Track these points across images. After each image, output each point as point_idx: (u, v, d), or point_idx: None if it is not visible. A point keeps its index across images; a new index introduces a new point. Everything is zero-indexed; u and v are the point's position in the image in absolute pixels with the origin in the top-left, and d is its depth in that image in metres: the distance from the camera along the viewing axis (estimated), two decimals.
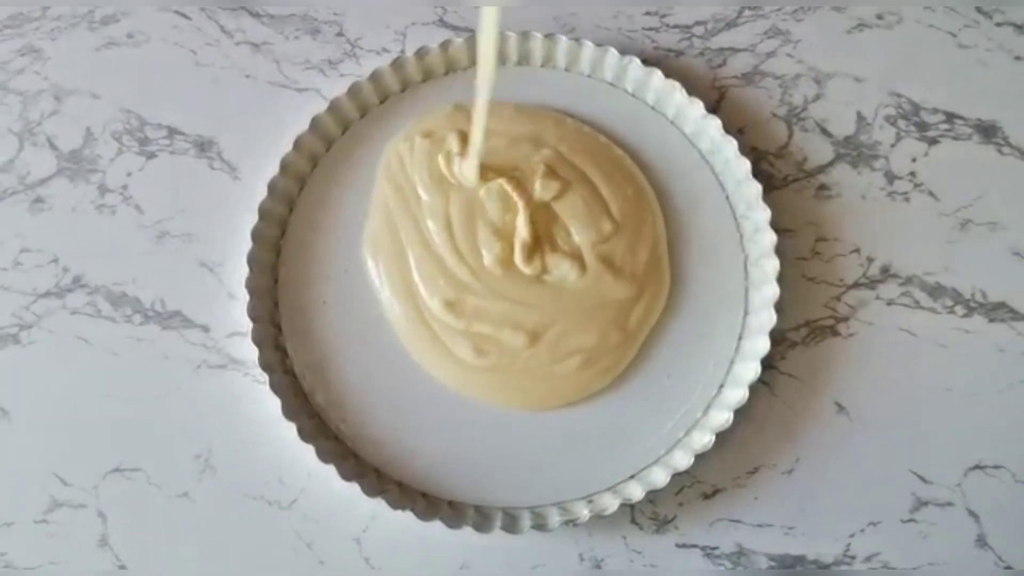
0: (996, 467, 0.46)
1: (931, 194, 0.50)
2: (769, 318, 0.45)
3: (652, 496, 0.44)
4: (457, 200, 0.48)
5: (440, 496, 0.45)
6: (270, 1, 0.53)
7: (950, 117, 0.51)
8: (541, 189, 0.47)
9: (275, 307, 0.47)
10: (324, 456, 0.43)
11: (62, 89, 0.52)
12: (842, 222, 0.50)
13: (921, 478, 0.46)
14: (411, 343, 0.46)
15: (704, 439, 0.44)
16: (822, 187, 0.50)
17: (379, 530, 0.45)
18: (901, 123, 0.51)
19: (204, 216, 0.49)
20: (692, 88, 0.49)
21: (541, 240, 0.47)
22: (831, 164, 0.51)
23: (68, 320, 0.48)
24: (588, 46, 0.50)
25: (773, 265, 0.46)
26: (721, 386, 0.46)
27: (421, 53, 0.50)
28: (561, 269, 0.46)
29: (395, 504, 0.43)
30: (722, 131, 0.48)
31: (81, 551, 0.45)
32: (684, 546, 0.45)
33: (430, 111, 0.50)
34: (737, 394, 0.45)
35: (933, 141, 0.51)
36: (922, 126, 0.51)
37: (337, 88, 0.49)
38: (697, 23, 0.53)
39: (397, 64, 0.50)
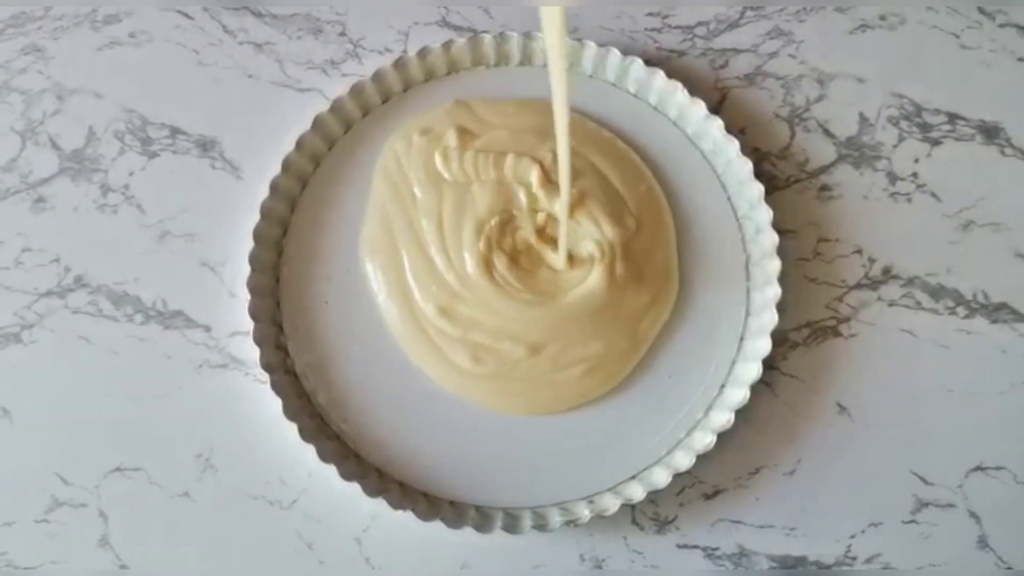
0: (998, 468, 0.46)
1: (933, 195, 0.50)
2: (771, 319, 0.45)
3: (653, 496, 0.44)
4: (450, 197, 0.47)
5: (441, 496, 0.45)
6: (273, 1, 0.53)
7: (952, 118, 0.51)
8: (553, 172, 0.46)
9: (277, 307, 0.47)
10: (325, 456, 0.43)
11: (64, 88, 0.52)
12: (844, 223, 0.50)
13: (922, 479, 0.46)
14: (408, 347, 0.46)
15: (705, 440, 0.44)
16: (824, 188, 0.50)
17: (380, 530, 0.45)
18: (903, 124, 0.51)
19: (206, 216, 0.49)
20: (694, 89, 0.49)
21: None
22: (833, 165, 0.51)
23: (70, 319, 0.48)
24: (590, 46, 0.50)
25: (775, 266, 0.46)
26: (722, 387, 0.46)
27: (423, 53, 0.50)
28: (590, 282, 0.45)
29: (396, 504, 0.43)
30: (724, 132, 0.48)
31: (82, 551, 0.45)
32: (685, 547, 0.45)
33: (431, 110, 0.50)
34: (738, 395, 0.45)
35: (935, 142, 0.51)
36: (924, 127, 0.51)
37: (339, 88, 0.49)
38: (699, 24, 0.53)
39: (399, 64, 0.50)
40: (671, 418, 0.46)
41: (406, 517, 0.43)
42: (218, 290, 0.48)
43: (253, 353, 0.45)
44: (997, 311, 0.48)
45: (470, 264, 0.46)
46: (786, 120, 0.52)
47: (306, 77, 0.52)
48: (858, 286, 0.49)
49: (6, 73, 0.52)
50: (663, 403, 0.46)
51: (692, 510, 0.45)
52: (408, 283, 0.47)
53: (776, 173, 0.50)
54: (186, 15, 0.53)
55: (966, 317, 0.48)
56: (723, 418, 0.44)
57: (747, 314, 0.47)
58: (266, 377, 0.44)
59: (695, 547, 0.45)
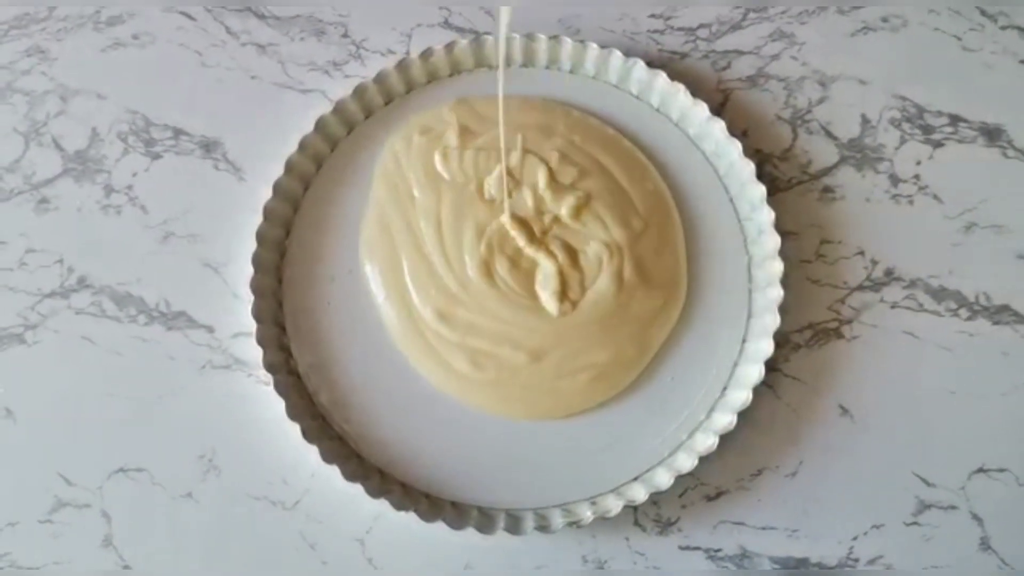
0: (1000, 470, 0.46)
1: (935, 197, 0.50)
2: (773, 320, 0.45)
3: (655, 498, 0.44)
4: (449, 198, 0.47)
5: (443, 497, 0.45)
6: (275, 2, 0.53)
7: (955, 120, 0.51)
8: (559, 173, 0.46)
9: (279, 308, 0.47)
10: (328, 457, 0.43)
11: (68, 89, 0.52)
12: (846, 225, 0.50)
13: (924, 481, 0.46)
14: (407, 351, 0.46)
15: (708, 441, 0.44)
16: (826, 189, 0.50)
17: (382, 531, 0.45)
18: (906, 126, 0.51)
19: (209, 217, 0.49)
20: (696, 90, 0.49)
21: (566, 275, 0.46)
22: (835, 167, 0.51)
23: (73, 320, 0.48)
24: (593, 48, 0.50)
25: (777, 267, 0.46)
26: (724, 388, 0.46)
27: (426, 55, 0.50)
28: (598, 286, 0.45)
29: (398, 505, 0.43)
30: (726, 133, 0.48)
31: (85, 551, 0.45)
32: (687, 548, 0.45)
33: (432, 109, 0.50)
34: (740, 396, 0.45)
35: (938, 144, 0.51)
36: (927, 129, 0.51)
37: (342, 89, 0.50)
38: (702, 25, 0.53)
39: (402, 66, 0.50)
40: (673, 420, 0.46)
41: (408, 518, 0.43)
42: (221, 291, 0.48)
43: (256, 354, 0.45)
44: (999, 313, 0.48)
45: (470, 267, 0.46)
46: (788, 122, 0.52)
47: (309, 78, 0.52)
48: (860, 288, 0.49)
49: (10, 74, 0.52)
50: (665, 405, 0.46)
51: (694, 511, 0.45)
52: (407, 286, 0.46)
53: (778, 175, 0.50)
54: (189, 16, 0.53)
55: (968, 319, 0.48)
56: (725, 420, 0.44)
57: (749, 316, 0.47)
58: (269, 378, 0.44)
59: (697, 548, 0.45)
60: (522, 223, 0.46)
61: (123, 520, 0.45)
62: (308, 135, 0.48)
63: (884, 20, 0.53)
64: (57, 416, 0.46)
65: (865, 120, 0.52)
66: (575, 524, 0.43)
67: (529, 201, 0.47)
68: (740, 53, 0.53)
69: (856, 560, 0.45)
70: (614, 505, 0.43)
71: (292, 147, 0.48)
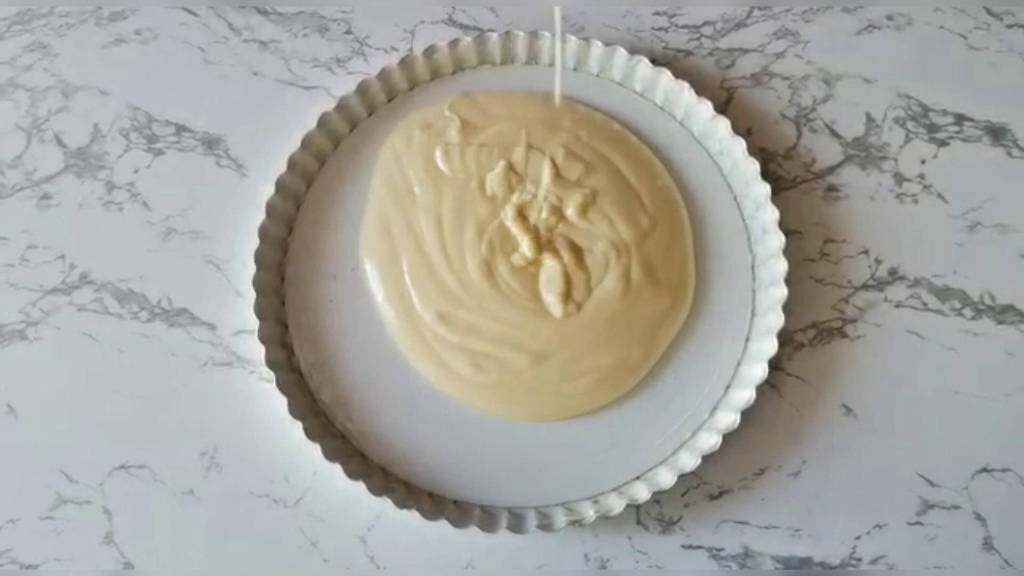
0: (1003, 470, 0.46)
1: (940, 196, 0.50)
2: (776, 319, 0.45)
3: (658, 497, 0.44)
4: (450, 196, 0.47)
5: (445, 495, 0.45)
6: None
7: (959, 119, 0.51)
8: (565, 169, 0.46)
9: (282, 305, 0.47)
10: (330, 454, 0.43)
11: (70, 85, 0.52)
12: (850, 224, 0.49)
13: (928, 481, 0.46)
14: (408, 352, 0.46)
15: (711, 440, 0.44)
16: (831, 188, 0.50)
17: (384, 529, 0.45)
18: (910, 125, 0.51)
19: (211, 213, 0.49)
20: (701, 88, 0.49)
21: (571, 275, 0.45)
22: (840, 165, 0.51)
23: (75, 317, 0.48)
24: (597, 45, 0.50)
25: (781, 266, 0.46)
26: (728, 387, 0.46)
27: (429, 52, 0.50)
28: (605, 286, 0.45)
29: (401, 503, 0.43)
30: (731, 132, 0.48)
31: (86, 548, 0.45)
32: (690, 547, 0.45)
33: (433, 105, 0.50)
34: (744, 395, 0.45)
35: (942, 143, 0.51)
36: (931, 128, 0.51)
37: (345, 86, 0.49)
38: (706, 23, 0.53)
39: (405, 63, 0.49)
40: (676, 419, 0.46)
41: (411, 516, 0.43)
42: (223, 288, 0.48)
43: (258, 351, 0.45)
44: (1004, 313, 0.48)
45: (471, 267, 0.46)
46: (793, 120, 0.51)
47: (312, 75, 0.52)
48: (864, 287, 0.49)
49: (11, 70, 0.52)
50: (668, 404, 0.46)
51: (697, 510, 0.45)
52: (406, 285, 0.46)
53: (782, 173, 0.50)
54: (192, 12, 0.53)
55: (972, 319, 0.48)
56: (728, 419, 0.44)
57: (753, 315, 0.47)
58: (271, 376, 0.44)
59: (700, 547, 0.45)
60: (525, 222, 0.46)
61: (124, 517, 0.45)
62: (311, 132, 0.48)
63: (889, 18, 0.53)
64: (58, 413, 0.46)
65: (870, 119, 0.51)
66: (577, 523, 0.43)
67: (534, 198, 0.47)
68: (744, 51, 0.53)
69: (859, 560, 0.45)
70: (616, 504, 0.43)
71: (295, 144, 0.47)
